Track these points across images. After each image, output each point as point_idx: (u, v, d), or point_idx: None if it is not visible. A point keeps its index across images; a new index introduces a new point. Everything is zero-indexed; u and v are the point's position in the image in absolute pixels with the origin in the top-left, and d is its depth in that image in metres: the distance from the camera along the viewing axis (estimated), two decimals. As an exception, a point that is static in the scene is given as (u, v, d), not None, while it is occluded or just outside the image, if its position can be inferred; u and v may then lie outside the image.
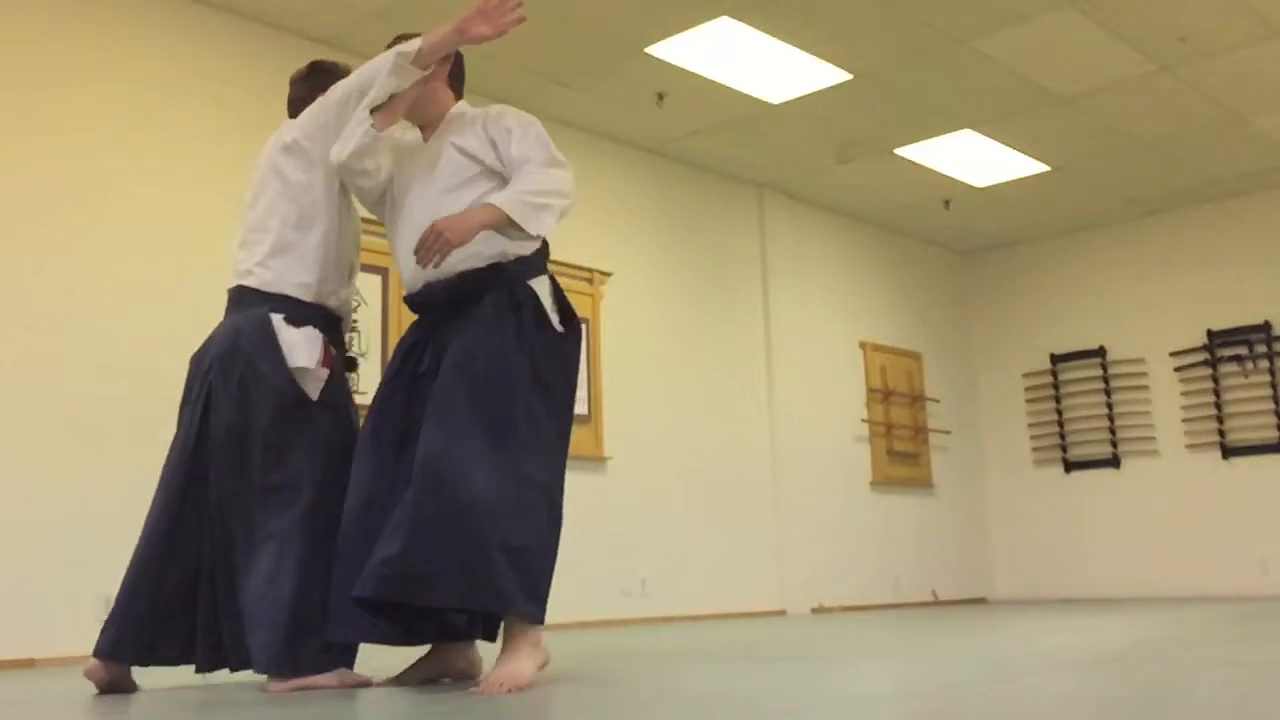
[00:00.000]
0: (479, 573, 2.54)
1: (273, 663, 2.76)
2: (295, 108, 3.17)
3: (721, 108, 6.89)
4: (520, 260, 2.85)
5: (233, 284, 3.04)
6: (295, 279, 2.92)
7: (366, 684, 2.88)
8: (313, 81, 3.17)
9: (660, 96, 6.68)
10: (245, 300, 2.95)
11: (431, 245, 2.71)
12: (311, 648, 2.77)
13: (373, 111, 2.90)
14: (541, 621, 2.69)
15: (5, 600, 4.47)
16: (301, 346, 2.87)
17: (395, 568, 2.53)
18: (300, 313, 2.91)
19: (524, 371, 2.74)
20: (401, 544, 2.54)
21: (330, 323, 2.99)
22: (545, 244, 2.95)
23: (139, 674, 3.04)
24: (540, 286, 2.86)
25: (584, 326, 3.04)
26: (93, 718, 2.53)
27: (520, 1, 2.85)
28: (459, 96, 3.09)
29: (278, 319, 2.88)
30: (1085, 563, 9.17)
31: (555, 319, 2.85)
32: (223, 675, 3.06)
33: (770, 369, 8.04)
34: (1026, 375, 9.75)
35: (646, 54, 6.16)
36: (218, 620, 2.85)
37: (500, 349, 2.73)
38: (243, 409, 2.87)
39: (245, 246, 3.01)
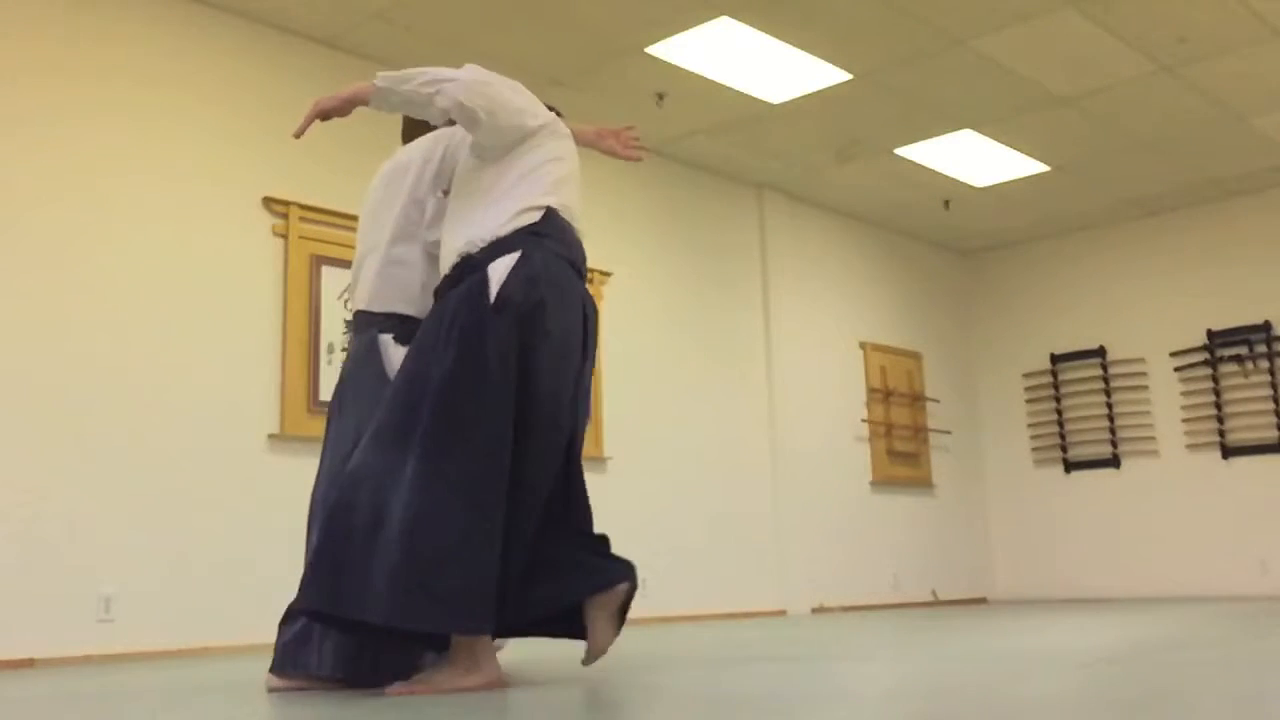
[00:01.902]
0: (382, 591, 2.49)
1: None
2: (408, 134, 3.25)
3: (721, 108, 6.89)
4: (491, 245, 2.74)
5: (353, 309, 3.15)
6: (401, 297, 3.00)
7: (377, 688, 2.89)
8: None
9: (660, 96, 6.68)
10: (360, 323, 3.05)
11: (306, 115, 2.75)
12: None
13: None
14: (470, 632, 2.56)
15: (5, 600, 4.47)
16: None
17: (306, 579, 2.59)
18: (407, 330, 2.96)
19: (441, 370, 2.62)
20: (308, 561, 2.63)
21: None
22: (542, 220, 2.79)
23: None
24: (498, 267, 2.70)
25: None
26: (91, 718, 2.53)
27: (644, 149, 3.31)
28: None
29: (385, 339, 2.96)
30: (1085, 563, 9.17)
31: (492, 294, 2.67)
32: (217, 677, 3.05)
33: (770, 369, 8.04)
34: (1026, 375, 9.75)
35: (646, 54, 6.16)
36: None
37: (420, 353, 2.70)
38: (350, 420, 2.94)
39: (358, 272, 3.12)
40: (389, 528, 2.53)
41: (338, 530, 2.57)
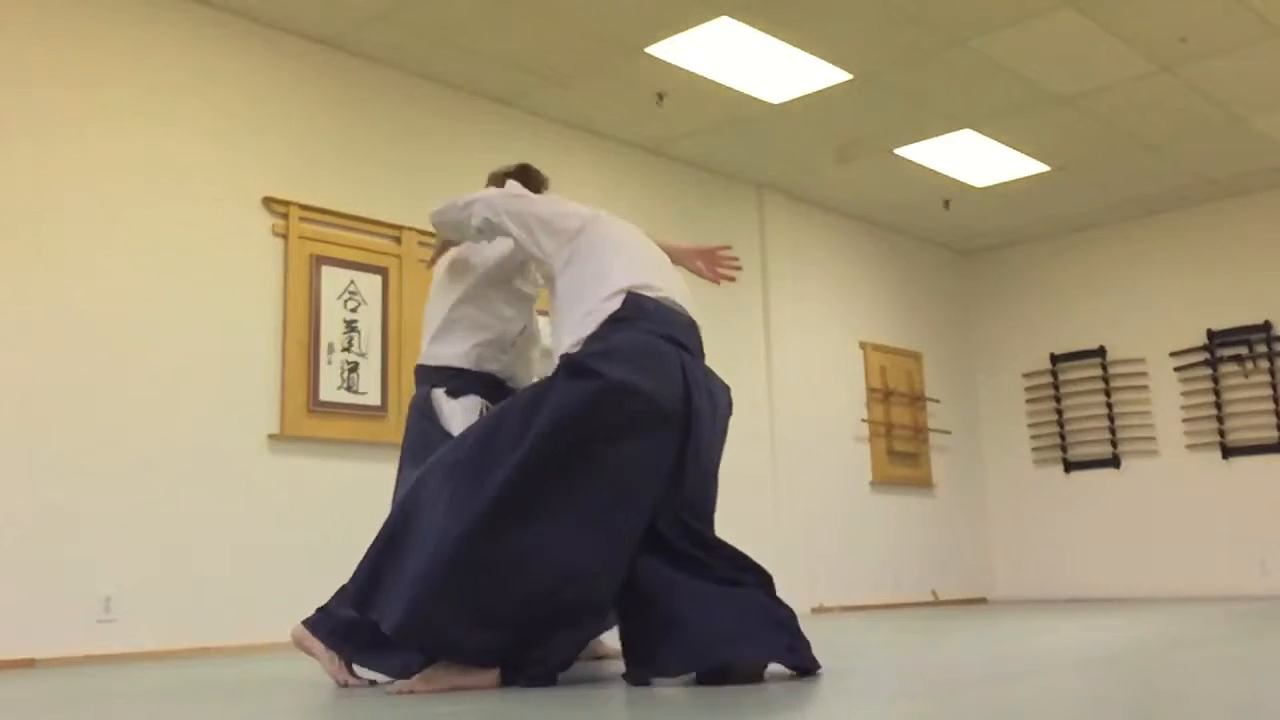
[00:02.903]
0: (390, 595, 2.66)
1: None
2: None
3: (721, 108, 6.89)
4: (584, 343, 2.79)
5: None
6: (455, 353, 3.18)
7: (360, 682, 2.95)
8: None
9: (660, 96, 6.68)
10: (419, 377, 3.25)
11: None
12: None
13: None
14: (431, 653, 2.64)
15: (5, 600, 4.47)
16: (459, 416, 3.09)
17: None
18: (461, 383, 3.15)
19: (495, 417, 2.78)
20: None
21: (493, 385, 3.20)
22: (623, 306, 2.79)
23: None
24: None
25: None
26: (91, 718, 2.53)
27: (740, 269, 3.32)
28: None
29: (439, 393, 3.15)
30: (1085, 563, 9.17)
31: (557, 363, 2.77)
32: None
33: (770, 369, 8.04)
34: (1026, 375, 9.75)
35: (646, 54, 6.16)
36: None
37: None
38: (416, 472, 3.09)
39: (425, 330, 3.32)
40: (410, 542, 2.65)
41: (383, 540, 2.72)
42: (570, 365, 2.68)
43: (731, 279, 3.31)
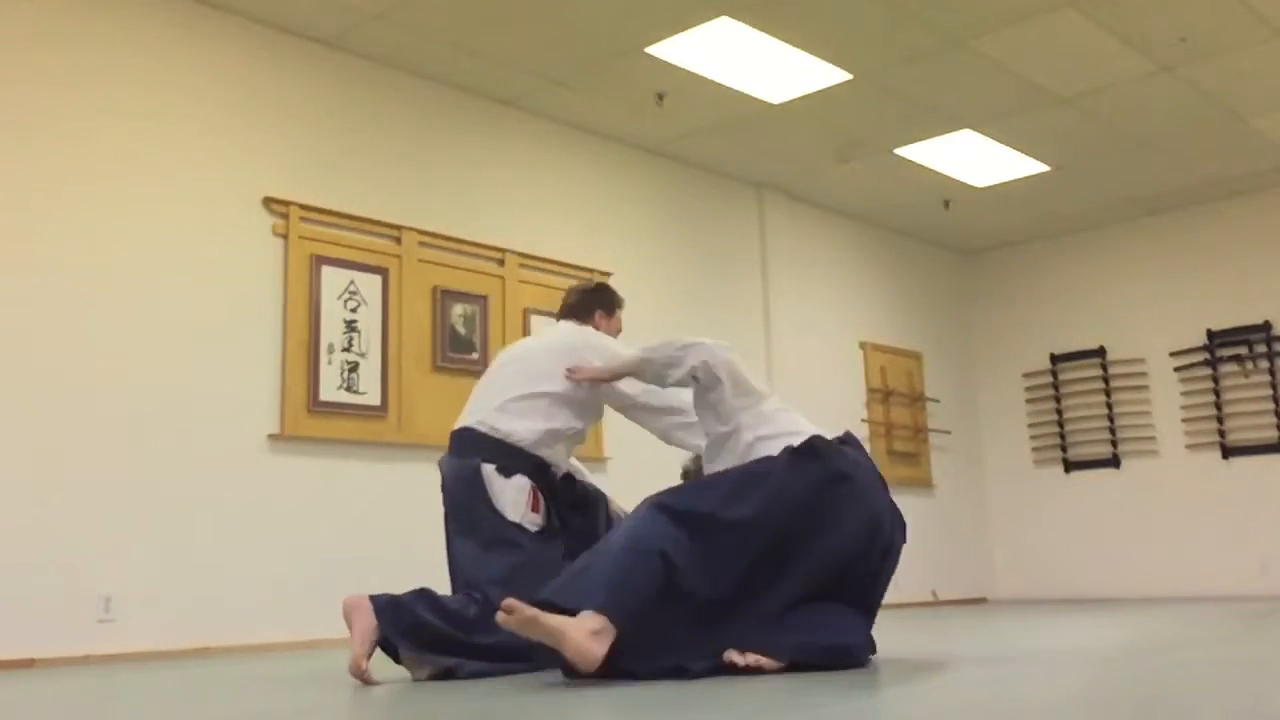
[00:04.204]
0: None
1: None
2: (565, 311, 3.64)
3: (721, 108, 6.89)
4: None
5: (457, 426, 3.37)
6: (525, 427, 3.25)
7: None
8: (589, 300, 3.66)
9: (660, 96, 6.68)
10: (470, 442, 3.27)
11: None
12: None
13: None
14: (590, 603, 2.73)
15: (5, 600, 4.47)
16: (509, 495, 3.18)
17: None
18: (512, 461, 3.21)
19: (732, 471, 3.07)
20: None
21: (540, 467, 3.29)
22: (844, 436, 3.16)
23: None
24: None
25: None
26: (91, 718, 2.53)
27: None
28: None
29: (489, 469, 3.19)
30: (1085, 563, 9.17)
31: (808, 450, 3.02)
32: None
33: (770, 369, 8.04)
34: (1026, 375, 9.75)
35: (646, 54, 6.16)
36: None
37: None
38: (469, 545, 3.20)
39: (479, 399, 3.37)
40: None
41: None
42: (811, 453, 2.98)
43: None
